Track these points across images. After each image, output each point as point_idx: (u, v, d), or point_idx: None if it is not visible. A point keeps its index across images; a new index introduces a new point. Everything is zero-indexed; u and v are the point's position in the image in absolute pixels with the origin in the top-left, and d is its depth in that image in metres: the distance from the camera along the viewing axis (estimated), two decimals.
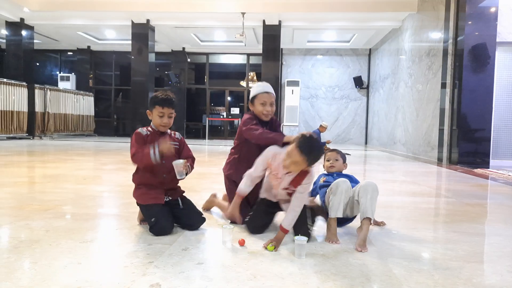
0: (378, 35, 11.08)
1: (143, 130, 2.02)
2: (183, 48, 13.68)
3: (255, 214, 2.03)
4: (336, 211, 1.91)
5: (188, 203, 2.09)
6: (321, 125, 9.02)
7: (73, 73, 13.98)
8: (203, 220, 2.05)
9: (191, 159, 2.05)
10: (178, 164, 1.89)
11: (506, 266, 1.64)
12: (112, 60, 14.43)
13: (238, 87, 14.51)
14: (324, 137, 9.30)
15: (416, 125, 8.06)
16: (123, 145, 9.33)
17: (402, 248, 1.83)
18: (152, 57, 10.51)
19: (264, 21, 9.70)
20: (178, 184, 2.11)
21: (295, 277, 1.41)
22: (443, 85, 6.70)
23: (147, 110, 2.04)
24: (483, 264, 1.68)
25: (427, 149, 7.33)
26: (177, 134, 2.13)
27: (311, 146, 1.73)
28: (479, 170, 5.36)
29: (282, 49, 12.43)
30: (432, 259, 1.69)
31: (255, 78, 14.16)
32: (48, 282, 1.29)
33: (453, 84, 6.43)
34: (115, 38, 12.46)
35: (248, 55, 13.82)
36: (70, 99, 11.99)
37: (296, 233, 1.76)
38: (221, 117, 14.22)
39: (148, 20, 10.01)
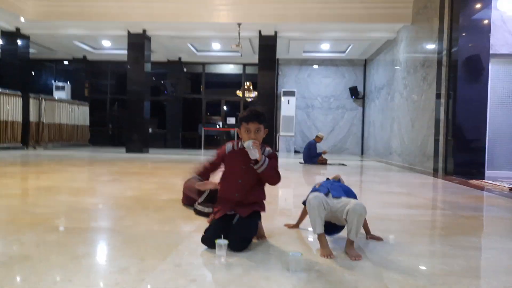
0: (374, 46, 11.18)
1: (229, 146, 2.07)
2: (179, 58, 13.72)
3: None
4: (315, 228, 1.91)
5: (244, 223, 1.95)
6: (317, 136, 9.09)
7: (68, 83, 13.95)
8: (239, 244, 1.87)
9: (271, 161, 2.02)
10: (248, 145, 1.92)
11: (503, 282, 1.63)
12: (108, 70, 14.43)
13: (234, 97, 14.53)
14: (320, 147, 9.30)
15: (411, 135, 8.09)
16: (119, 155, 9.28)
17: (398, 262, 1.81)
18: (148, 67, 10.53)
19: (260, 32, 9.77)
20: (256, 202, 2.05)
21: None
22: (438, 96, 6.75)
23: (237, 129, 2.07)
24: (480, 280, 1.66)
25: (423, 160, 7.35)
26: (268, 150, 2.04)
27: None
28: (474, 181, 5.37)
29: (278, 59, 12.49)
30: (429, 274, 1.68)
31: (251, 87, 14.20)
32: None
33: (448, 95, 6.48)
34: (111, 47, 12.48)
35: (244, 65, 13.88)
36: (65, 109, 11.94)
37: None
38: (217, 127, 14.21)
39: (144, 30, 10.05)
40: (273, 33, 9.81)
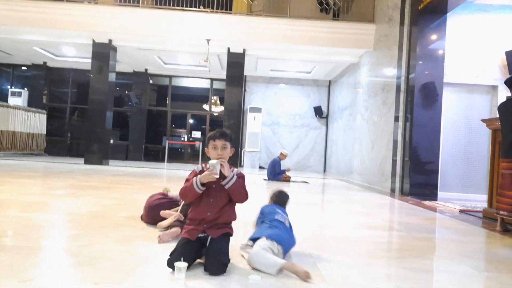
0: (338, 68, 11.60)
1: (198, 167, 2.11)
2: (146, 69, 13.52)
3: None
4: (273, 267, 1.88)
5: (217, 246, 1.94)
6: (281, 153, 9.19)
7: (25, 89, 13.30)
8: (220, 268, 1.85)
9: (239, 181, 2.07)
10: (213, 162, 1.96)
11: None
12: (69, 77, 13.93)
13: (201, 111, 14.47)
14: (284, 164, 9.36)
15: (371, 156, 8.40)
16: (76, 166, 8.90)
17: (358, 286, 1.85)
18: (112, 77, 10.28)
19: (228, 49, 9.87)
20: (227, 223, 2.06)
21: None
22: (396, 119, 7.09)
23: (205, 149, 2.13)
24: None
25: (381, 180, 7.63)
26: (236, 170, 2.10)
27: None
28: (428, 202, 5.63)
29: (246, 76, 12.64)
30: None
31: (218, 102, 14.22)
32: None
33: (405, 118, 6.82)
34: (74, 55, 12.09)
35: (212, 80, 13.91)
36: (20, 116, 11.34)
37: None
38: (182, 140, 14.03)
39: (110, 40, 9.84)
40: (241, 51, 9.94)
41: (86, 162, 9.84)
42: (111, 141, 10.81)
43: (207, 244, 1.98)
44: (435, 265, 2.42)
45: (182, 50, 10.57)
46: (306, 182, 8.22)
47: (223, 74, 11.02)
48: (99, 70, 9.96)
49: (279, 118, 13.46)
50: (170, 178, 7.74)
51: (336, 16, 11.51)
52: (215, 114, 14.19)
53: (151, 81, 14.15)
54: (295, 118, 13.48)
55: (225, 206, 2.05)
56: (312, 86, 13.51)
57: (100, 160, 9.87)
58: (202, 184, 1.99)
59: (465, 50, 7.05)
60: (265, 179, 8.29)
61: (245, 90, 13.02)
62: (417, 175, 6.48)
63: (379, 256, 2.54)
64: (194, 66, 12.24)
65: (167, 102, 14.16)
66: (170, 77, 13.95)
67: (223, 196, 2.04)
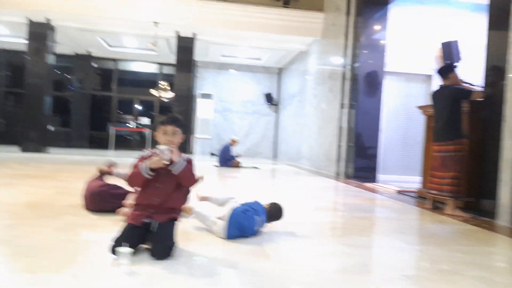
0: (288, 56, 11.77)
1: (146, 152, 2.06)
2: (89, 52, 12.77)
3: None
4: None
5: (162, 231, 1.94)
6: (232, 139, 9.21)
7: None
8: (166, 252, 1.86)
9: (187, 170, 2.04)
10: (162, 148, 1.94)
11: (388, 276, 1.86)
12: (2, 59, 12.77)
13: (149, 96, 13.99)
14: (235, 150, 9.39)
15: (319, 141, 8.70)
16: (12, 155, 8.27)
17: (299, 262, 1.95)
18: (51, 59, 9.58)
19: (178, 33, 9.60)
20: (174, 208, 2.06)
21: None
22: (342, 106, 7.38)
23: (154, 132, 2.10)
24: (369, 275, 1.87)
25: (328, 164, 7.95)
26: (185, 156, 2.07)
27: None
28: (369, 184, 5.99)
29: (196, 61, 12.41)
30: (326, 272, 1.83)
31: (167, 87, 13.82)
32: None
33: (350, 105, 7.12)
34: (7, 35, 11.08)
35: (161, 64, 13.49)
36: None
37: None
38: (129, 126, 13.53)
39: (48, 20, 9.14)
40: (191, 35, 9.72)
41: (23, 150, 9.17)
42: (51, 128, 10.13)
43: (154, 229, 1.96)
44: (372, 241, 2.60)
45: (129, 33, 10.10)
46: (256, 168, 8.34)
47: (172, 59, 10.71)
48: (36, 52, 9.24)
49: (230, 105, 13.42)
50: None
51: (286, 4, 11.60)
52: (165, 100, 13.81)
53: (95, 65, 13.40)
54: (246, 104, 13.52)
55: (172, 192, 2.04)
56: (263, 73, 13.60)
57: (38, 148, 9.25)
58: (151, 170, 1.96)
59: (405, 40, 7.47)
60: (216, 165, 8.29)
61: (195, 75, 12.80)
62: (360, 159, 6.84)
63: (322, 235, 2.67)
64: (142, 49, 11.77)
65: (113, 86, 13.53)
66: (116, 60, 13.31)
67: (170, 182, 2.02)
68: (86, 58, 12.93)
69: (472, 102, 3.81)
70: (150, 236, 1.95)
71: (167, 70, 13.55)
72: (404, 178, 6.95)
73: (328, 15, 8.81)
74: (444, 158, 3.70)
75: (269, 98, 13.36)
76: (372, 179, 6.53)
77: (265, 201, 2.57)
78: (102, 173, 3.17)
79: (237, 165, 8.21)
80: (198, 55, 11.54)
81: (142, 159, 2.02)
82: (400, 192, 5.15)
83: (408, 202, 4.33)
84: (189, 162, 2.07)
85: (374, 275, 1.89)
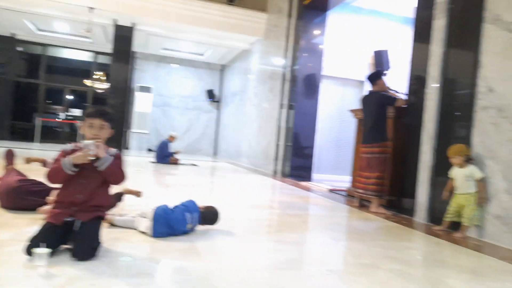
0: (231, 53, 11.75)
1: (68, 146, 1.90)
2: (13, 34, 11.62)
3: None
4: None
5: (86, 230, 1.82)
6: (170, 135, 8.98)
7: None
8: (89, 253, 1.76)
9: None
10: (87, 143, 1.83)
11: (314, 271, 1.94)
12: None
13: (82, 86, 13.13)
14: (174, 147, 9.19)
15: (258, 140, 8.83)
16: None
17: (229, 259, 1.96)
18: None
19: (115, 21, 9.12)
20: (99, 206, 1.92)
21: None
22: (281, 106, 7.56)
23: (80, 125, 1.98)
24: (298, 270, 1.94)
25: (266, 163, 8.10)
26: (113, 150, 1.94)
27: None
28: (304, 183, 6.21)
29: (135, 52, 11.89)
30: (254, 269, 1.86)
31: (102, 78, 13.08)
32: None
33: (289, 106, 7.32)
34: None
35: (96, 53, 12.71)
36: None
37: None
38: (59, 118, 12.58)
39: None
40: (130, 25, 9.29)
41: None
42: None
43: (77, 229, 1.84)
44: (301, 238, 2.70)
45: (60, 16, 9.37)
46: (195, 165, 8.23)
47: (109, 48, 10.16)
48: None
49: (170, 99, 13.07)
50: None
51: (231, 1, 11.59)
52: (99, 91, 13.05)
53: (20, 49, 12.24)
54: (187, 100, 13.27)
55: (98, 188, 1.93)
56: (205, 69, 13.44)
57: None
58: (75, 166, 1.83)
59: (341, 47, 7.86)
60: (153, 162, 8.03)
61: (134, 67, 12.26)
62: (297, 159, 7.07)
63: (254, 232, 2.71)
64: (75, 36, 10.98)
65: (41, 74, 12.47)
66: (45, 45, 12.27)
67: (96, 177, 1.91)
68: (9, 41, 11.75)
69: (397, 108, 4.12)
70: (73, 235, 1.83)
71: (102, 59, 12.81)
72: (336, 178, 7.32)
73: (271, 16, 8.96)
74: (370, 160, 3.96)
75: (210, 94, 13.25)
76: (308, 178, 6.78)
77: (201, 203, 2.53)
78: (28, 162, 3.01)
79: (175, 162, 8.03)
80: (137, 46, 11.07)
81: (64, 153, 1.89)
82: (331, 190, 5.41)
83: (338, 200, 4.57)
84: (118, 158, 1.97)
85: (302, 270, 1.96)
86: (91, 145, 1.82)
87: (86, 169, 1.87)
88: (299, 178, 6.70)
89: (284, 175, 7.09)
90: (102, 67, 12.92)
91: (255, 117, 9.22)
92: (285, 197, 4.66)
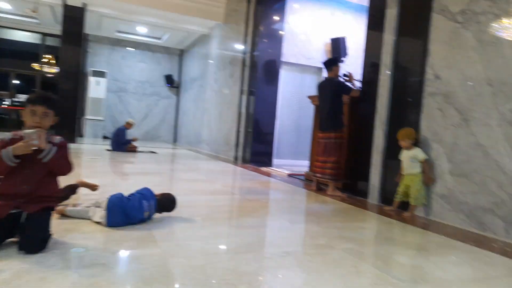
0: (189, 38, 11.48)
1: (8, 135, 1.76)
2: None
3: None
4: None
5: (34, 221, 1.72)
6: (127, 122, 8.69)
7: None
8: (38, 245, 1.68)
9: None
10: (29, 132, 1.71)
11: (270, 253, 1.98)
12: None
13: (29, 70, 12.30)
14: (131, 133, 8.92)
15: (219, 126, 8.77)
16: None
17: (187, 247, 1.95)
18: None
19: (64, 1, 8.57)
20: (47, 196, 1.82)
21: None
22: (242, 92, 7.54)
23: (21, 112, 1.83)
24: (253, 253, 1.97)
25: (227, 149, 8.09)
26: (57, 138, 1.83)
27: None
28: (264, 168, 6.29)
29: (87, 34, 11.28)
30: (211, 254, 1.87)
31: (52, 61, 12.33)
32: None
33: (249, 92, 7.32)
34: None
35: (44, 34, 11.91)
36: None
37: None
38: (4, 104, 11.74)
39: None
40: (80, 5, 8.77)
41: None
42: None
43: (24, 220, 1.75)
44: (260, 222, 2.74)
45: None
46: (154, 152, 8.05)
47: (58, 30, 9.55)
48: None
49: (126, 85, 12.60)
50: None
51: None
52: (48, 75, 12.30)
53: None
54: (144, 85, 12.85)
55: (44, 178, 1.83)
56: (164, 53, 13.05)
57: None
58: (16, 156, 1.72)
59: (300, 33, 7.92)
60: (108, 150, 7.75)
61: (86, 50, 11.65)
62: (257, 145, 7.12)
63: (213, 218, 2.72)
64: (20, 16, 10.21)
65: None
66: None
67: (41, 166, 1.81)
68: None
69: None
70: (20, 228, 1.74)
71: (52, 41, 12.03)
72: (295, 163, 7.47)
73: (230, 0, 8.82)
74: (327, 145, 4.07)
75: (169, 80, 12.92)
76: (268, 163, 6.87)
77: (157, 191, 2.49)
78: None
79: (133, 150, 7.80)
80: (90, 28, 10.52)
81: (2, 143, 1.76)
82: (290, 175, 5.52)
83: (297, 185, 4.67)
84: (63, 147, 1.87)
85: (259, 253, 2.00)
86: (33, 134, 1.71)
87: (29, 159, 1.77)
88: (259, 163, 6.76)
89: (245, 161, 7.13)
90: (51, 50, 12.16)
91: (215, 103, 9.13)
92: (246, 182, 4.70)
